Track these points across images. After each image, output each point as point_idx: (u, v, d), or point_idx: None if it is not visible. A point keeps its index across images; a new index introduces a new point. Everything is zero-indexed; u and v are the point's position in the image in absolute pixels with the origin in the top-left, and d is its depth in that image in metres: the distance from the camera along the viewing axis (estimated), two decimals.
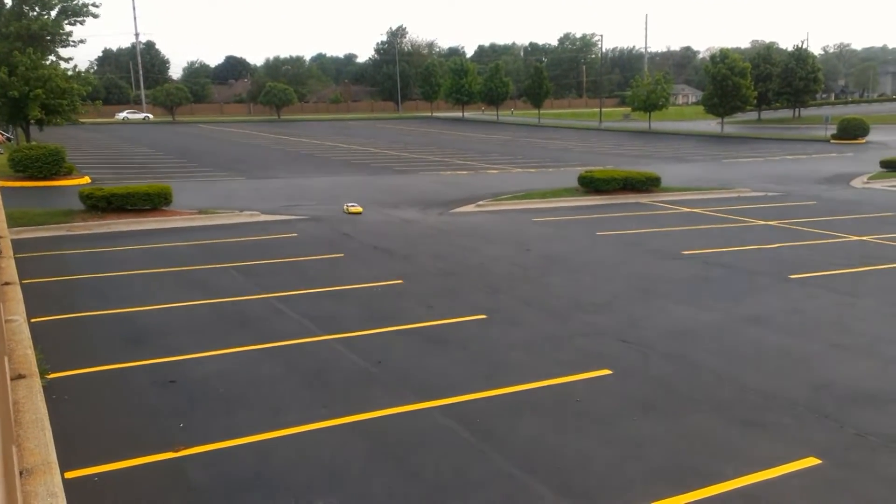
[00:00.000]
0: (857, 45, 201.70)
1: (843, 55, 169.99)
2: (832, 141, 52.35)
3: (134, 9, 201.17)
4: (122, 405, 7.87)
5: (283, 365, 9.00)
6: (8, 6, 37.58)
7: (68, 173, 28.84)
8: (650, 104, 68.55)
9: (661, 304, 11.83)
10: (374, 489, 6.20)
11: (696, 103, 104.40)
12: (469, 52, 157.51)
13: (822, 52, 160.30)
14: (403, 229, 18.80)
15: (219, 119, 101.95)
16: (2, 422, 2.96)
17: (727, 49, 69.50)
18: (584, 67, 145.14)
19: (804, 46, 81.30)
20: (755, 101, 68.07)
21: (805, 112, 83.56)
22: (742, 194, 25.69)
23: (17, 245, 14.33)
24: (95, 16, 39.75)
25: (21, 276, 8.40)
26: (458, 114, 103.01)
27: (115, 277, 13.45)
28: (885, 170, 32.12)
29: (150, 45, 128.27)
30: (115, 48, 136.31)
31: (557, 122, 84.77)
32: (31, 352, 4.82)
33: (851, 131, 51.99)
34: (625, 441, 7.08)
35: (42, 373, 6.63)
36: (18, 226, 17.28)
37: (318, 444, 7.00)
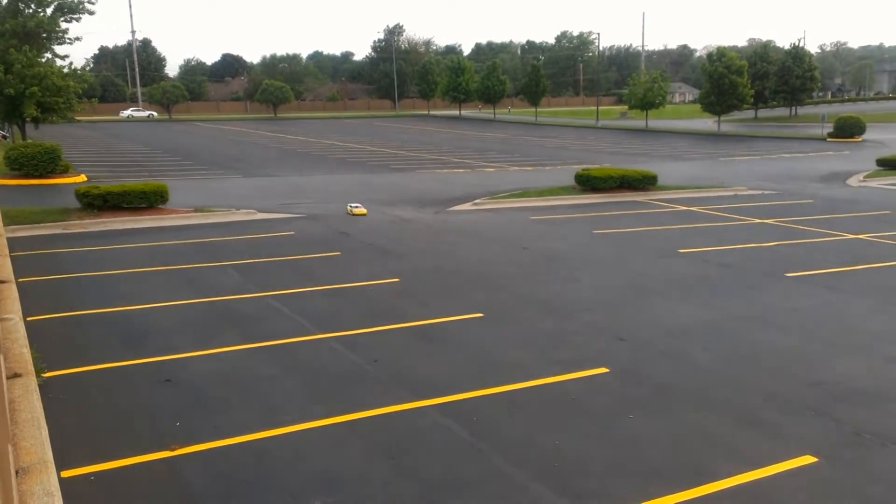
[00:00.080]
0: (854, 44, 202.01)
1: (839, 53, 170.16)
2: (829, 139, 52.41)
3: (130, 6, 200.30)
4: (117, 404, 7.86)
5: (279, 363, 8.99)
6: (4, 3, 37.41)
7: (64, 171, 28.77)
8: (647, 102, 68.52)
9: (657, 302, 11.85)
10: (371, 488, 6.20)
11: (693, 101, 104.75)
12: (466, 50, 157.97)
13: (819, 51, 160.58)
14: (400, 228, 18.79)
15: (215, 117, 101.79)
16: None
17: (724, 47, 69.62)
18: (580, 66, 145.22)
19: (801, 45, 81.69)
20: (752, 100, 68.09)
21: (802, 110, 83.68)
22: (739, 192, 25.72)
23: (13, 243, 14.31)
24: (91, 13, 39.55)
25: (17, 275, 8.39)
26: (455, 112, 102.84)
27: (111, 276, 13.42)
28: (881, 168, 32.15)
29: (146, 43, 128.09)
30: (111, 46, 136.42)
31: (554, 121, 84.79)
32: (26, 350, 4.80)
33: (848, 130, 52.04)
34: (622, 439, 7.09)
35: (38, 371, 6.63)
36: (14, 224, 17.24)
37: (314, 442, 7.00)
